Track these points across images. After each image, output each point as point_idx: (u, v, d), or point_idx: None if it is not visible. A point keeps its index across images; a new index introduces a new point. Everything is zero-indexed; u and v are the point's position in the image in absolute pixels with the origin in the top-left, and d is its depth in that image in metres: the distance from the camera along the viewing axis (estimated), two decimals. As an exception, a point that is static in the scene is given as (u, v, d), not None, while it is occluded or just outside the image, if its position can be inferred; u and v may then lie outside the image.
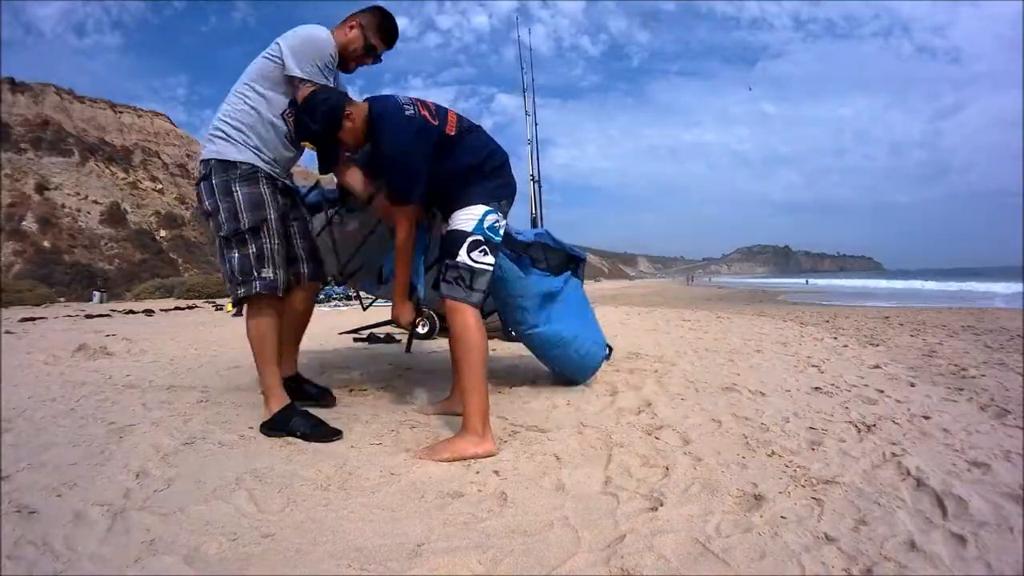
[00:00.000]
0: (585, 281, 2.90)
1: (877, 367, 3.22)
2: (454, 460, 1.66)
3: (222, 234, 1.92)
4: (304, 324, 2.30)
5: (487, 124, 1.94)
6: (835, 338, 4.79)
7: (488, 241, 1.84)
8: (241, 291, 1.92)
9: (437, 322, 5.00)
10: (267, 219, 1.94)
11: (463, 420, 1.77)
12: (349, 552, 1.15)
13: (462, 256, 1.81)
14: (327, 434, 1.88)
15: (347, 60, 2.04)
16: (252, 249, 1.91)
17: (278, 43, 1.93)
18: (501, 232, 1.89)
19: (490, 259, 1.84)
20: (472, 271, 1.81)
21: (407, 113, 1.81)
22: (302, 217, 2.18)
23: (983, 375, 2.93)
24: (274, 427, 1.92)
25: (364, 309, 3.58)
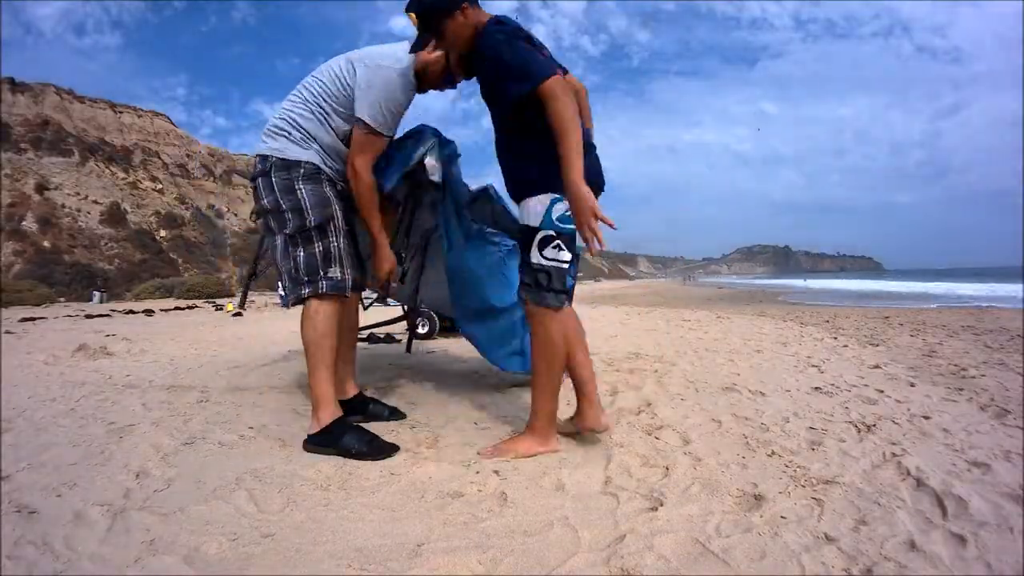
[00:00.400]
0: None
1: (877, 367, 3.21)
2: (518, 458, 1.66)
3: (287, 231, 1.83)
4: (355, 336, 2.18)
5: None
6: (835, 338, 4.79)
7: (560, 234, 1.66)
8: (307, 291, 1.82)
9: (437, 322, 4.99)
10: (334, 216, 1.86)
11: (529, 418, 1.76)
12: (349, 552, 1.15)
13: (534, 255, 1.67)
14: (384, 450, 1.73)
15: (422, 82, 1.91)
16: (319, 247, 1.83)
17: (354, 69, 1.82)
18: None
19: (565, 255, 1.68)
20: (547, 271, 1.66)
21: (517, 39, 1.59)
22: (354, 223, 2.04)
23: (983, 375, 2.93)
24: (323, 442, 1.75)
25: (364, 308, 3.59)
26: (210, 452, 1.77)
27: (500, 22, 1.64)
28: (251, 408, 2.32)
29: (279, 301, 2.75)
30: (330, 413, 1.79)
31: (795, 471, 1.56)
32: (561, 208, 1.63)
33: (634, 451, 1.74)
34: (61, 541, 1.18)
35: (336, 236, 1.86)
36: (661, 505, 1.34)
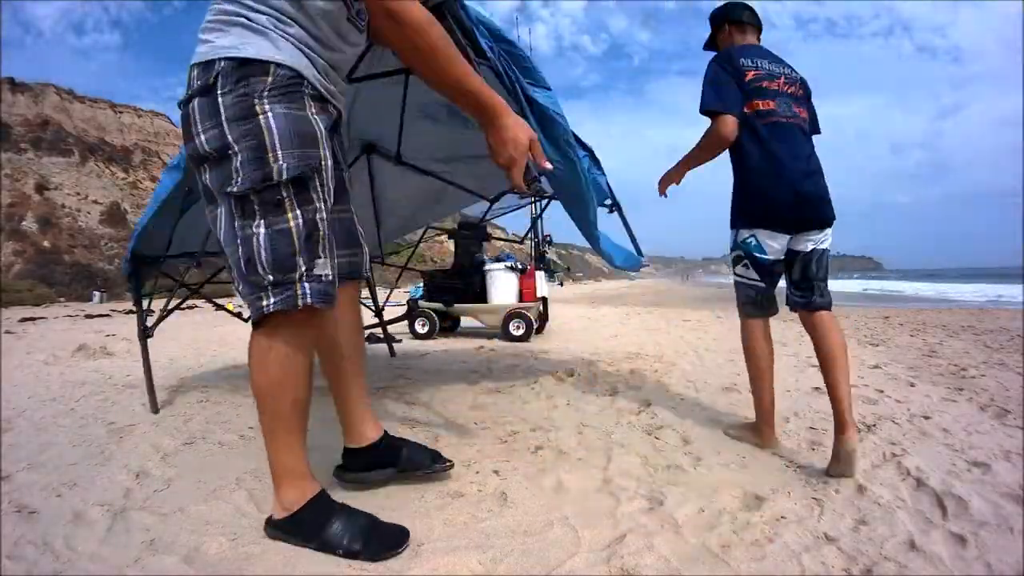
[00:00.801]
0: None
1: (877, 367, 3.21)
2: None
3: (233, 189, 1.05)
4: (362, 343, 1.50)
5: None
6: (835, 338, 4.79)
7: (748, 254, 1.80)
8: (272, 301, 1.07)
9: (437, 322, 4.99)
10: (321, 166, 1.11)
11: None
12: (349, 552, 1.15)
13: (732, 274, 1.93)
14: (389, 543, 1.15)
15: None
16: (296, 220, 1.07)
17: None
18: (763, 247, 1.77)
19: (751, 273, 1.82)
20: (736, 285, 1.89)
21: (720, 64, 1.77)
22: (344, 171, 1.35)
23: (983, 375, 2.92)
24: (295, 531, 1.16)
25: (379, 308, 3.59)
26: (210, 452, 1.77)
27: (727, 51, 1.82)
28: (251, 408, 2.30)
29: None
30: (301, 490, 1.16)
31: (795, 471, 1.56)
32: (744, 234, 1.80)
33: (634, 451, 1.73)
34: (61, 541, 1.18)
35: (323, 201, 1.12)
36: (661, 505, 1.34)
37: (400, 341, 4.56)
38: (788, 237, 1.75)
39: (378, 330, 4.95)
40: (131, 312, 10.60)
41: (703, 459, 1.65)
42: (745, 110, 1.73)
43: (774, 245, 1.76)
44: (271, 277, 1.07)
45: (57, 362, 3.73)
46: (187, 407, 2.35)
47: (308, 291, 1.08)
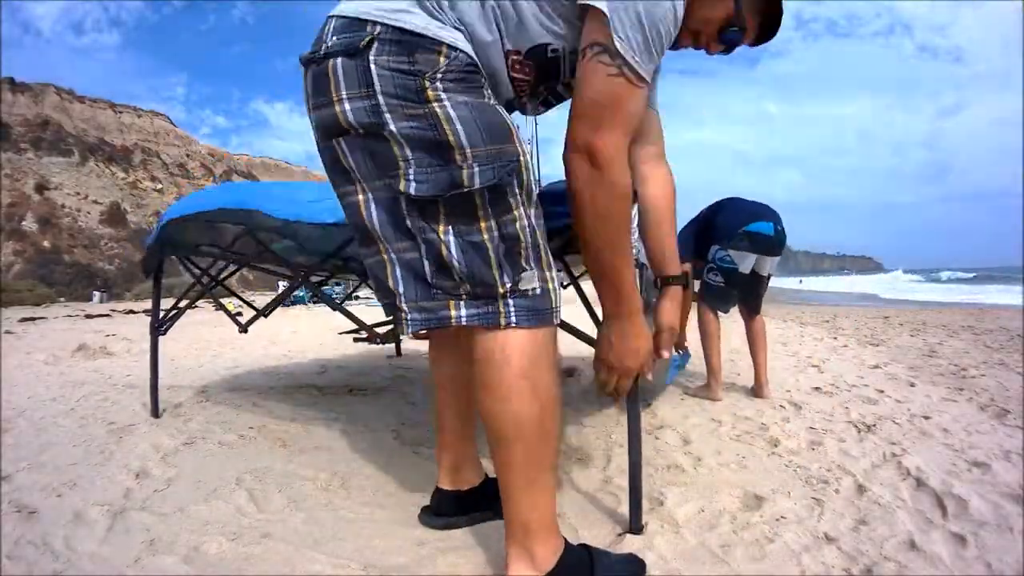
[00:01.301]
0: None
1: (877, 367, 3.21)
2: None
3: (411, 192, 0.84)
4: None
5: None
6: (835, 338, 4.79)
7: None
8: (471, 312, 0.89)
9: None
10: (523, 167, 0.90)
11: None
12: (349, 552, 1.15)
13: None
14: None
15: (684, 35, 0.96)
16: (527, 222, 0.90)
17: None
18: None
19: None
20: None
21: None
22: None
23: (983, 375, 2.92)
24: None
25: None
26: (210, 452, 1.77)
27: None
28: (251, 408, 2.32)
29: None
30: (556, 544, 0.97)
31: (795, 471, 1.56)
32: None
33: (634, 451, 1.73)
34: (61, 541, 1.18)
35: (530, 207, 0.92)
36: (661, 505, 1.34)
37: (400, 341, 4.55)
38: None
39: (382, 329, 4.95)
40: (131, 312, 10.61)
41: (703, 459, 1.65)
42: None
43: None
44: (519, 285, 0.89)
45: (57, 362, 3.73)
46: (187, 407, 2.35)
47: (512, 308, 0.89)
